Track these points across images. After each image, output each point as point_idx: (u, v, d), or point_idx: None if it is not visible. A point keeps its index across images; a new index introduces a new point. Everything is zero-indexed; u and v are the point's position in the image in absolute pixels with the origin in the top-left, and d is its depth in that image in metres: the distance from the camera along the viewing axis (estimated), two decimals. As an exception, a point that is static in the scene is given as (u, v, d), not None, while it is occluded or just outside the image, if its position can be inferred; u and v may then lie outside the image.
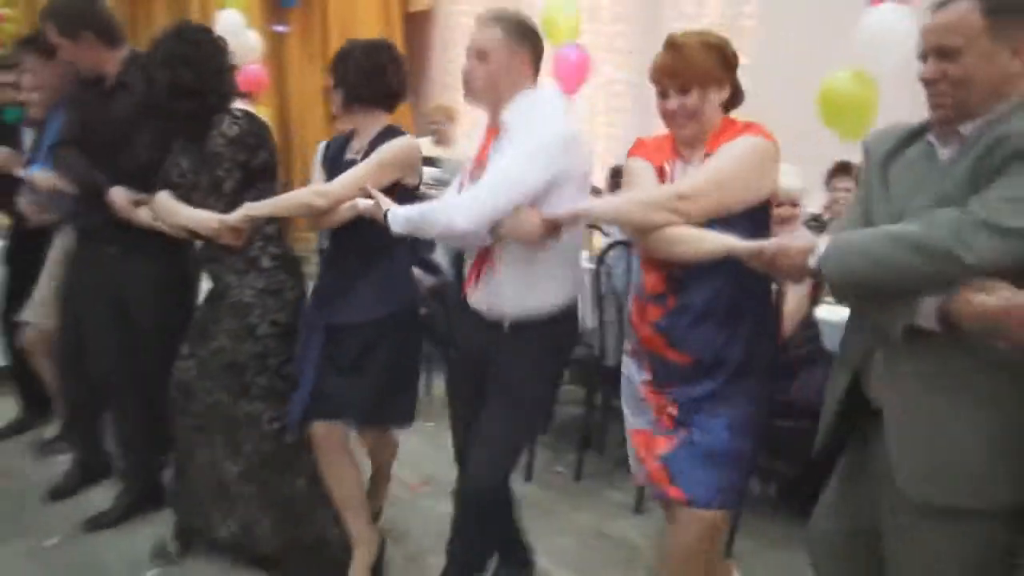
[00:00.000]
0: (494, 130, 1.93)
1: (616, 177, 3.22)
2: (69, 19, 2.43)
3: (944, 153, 1.36)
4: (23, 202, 2.92)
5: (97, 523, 2.62)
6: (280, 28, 6.61)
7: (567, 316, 1.97)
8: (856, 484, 1.52)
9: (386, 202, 1.98)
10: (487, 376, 1.97)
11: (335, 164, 2.25)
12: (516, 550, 2.26)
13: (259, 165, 2.25)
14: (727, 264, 1.57)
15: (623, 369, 1.93)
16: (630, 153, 1.84)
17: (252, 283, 2.26)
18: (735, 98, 1.77)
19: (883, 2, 3.04)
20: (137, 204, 2.44)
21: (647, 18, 5.19)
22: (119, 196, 2.44)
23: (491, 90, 1.89)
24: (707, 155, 1.70)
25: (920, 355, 1.31)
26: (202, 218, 2.18)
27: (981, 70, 1.29)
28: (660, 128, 1.80)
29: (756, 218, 1.67)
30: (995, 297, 1.15)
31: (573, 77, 4.53)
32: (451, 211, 1.82)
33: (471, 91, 1.92)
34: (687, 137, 1.74)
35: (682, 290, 1.72)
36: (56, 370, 2.97)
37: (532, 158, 1.79)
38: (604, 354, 3.03)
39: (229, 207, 2.18)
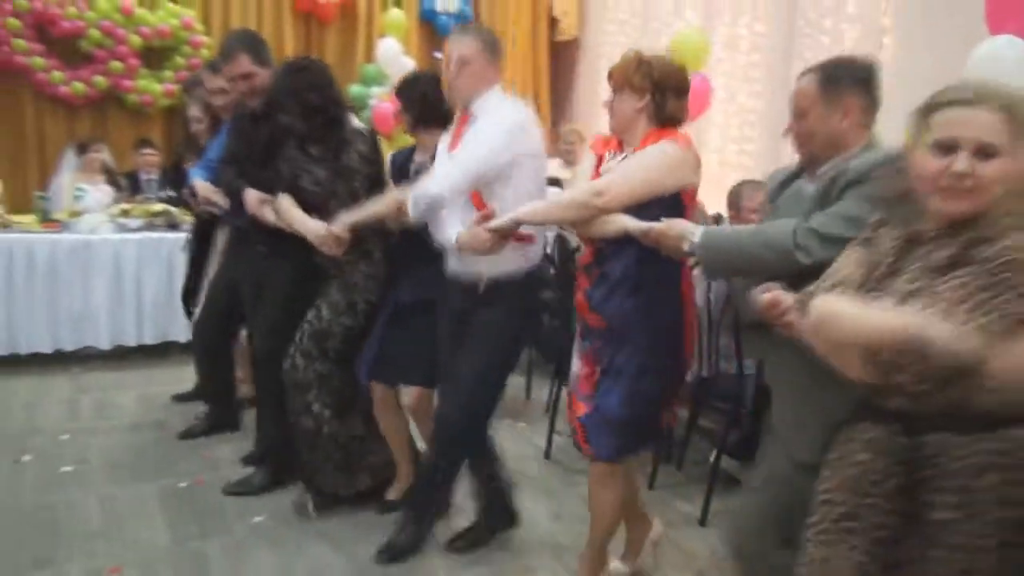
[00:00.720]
0: (465, 118, 2.32)
1: (733, 197, 3.32)
2: (262, 49, 2.85)
3: (809, 188, 1.76)
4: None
5: (241, 488, 2.98)
6: (438, 55, 7.15)
7: (531, 281, 2.40)
8: (774, 441, 1.84)
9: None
10: (464, 331, 2.37)
11: (401, 173, 2.68)
12: (498, 504, 2.63)
13: (378, 177, 2.66)
14: (637, 244, 1.95)
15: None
16: (590, 145, 2.28)
17: (363, 269, 2.69)
18: (668, 114, 2.07)
19: (1001, 34, 2.95)
20: (263, 204, 2.79)
21: (782, 49, 5.18)
22: (251, 196, 2.82)
23: (469, 88, 2.28)
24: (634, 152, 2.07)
25: (771, 336, 1.57)
26: (313, 226, 2.54)
27: (819, 127, 1.70)
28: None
29: (666, 206, 1.97)
30: (769, 295, 1.46)
31: (695, 105, 4.62)
32: (429, 181, 2.22)
33: (453, 91, 2.32)
34: (612, 130, 2.15)
35: (604, 262, 2.07)
36: (193, 345, 3.54)
37: (496, 138, 2.19)
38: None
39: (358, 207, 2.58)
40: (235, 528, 2.68)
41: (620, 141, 2.13)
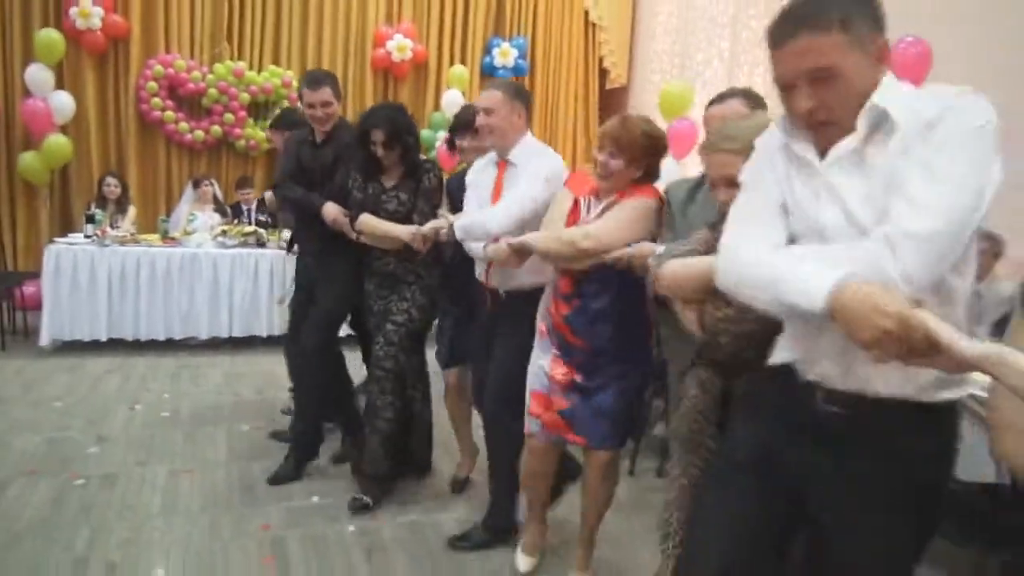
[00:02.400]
0: (504, 164, 2.75)
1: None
2: (338, 86, 3.32)
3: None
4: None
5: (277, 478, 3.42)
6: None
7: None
8: None
9: (450, 218, 2.86)
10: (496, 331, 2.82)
11: (459, 195, 3.06)
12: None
13: (439, 201, 3.22)
14: (614, 281, 2.30)
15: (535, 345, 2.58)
16: (566, 182, 2.53)
17: (437, 273, 3.22)
18: (650, 174, 2.37)
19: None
20: (340, 218, 3.23)
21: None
22: (331, 209, 3.24)
23: (498, 135, 2.69)
24: (614, 203, 2.32)
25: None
26: (403, 229, 3.00)
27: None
28: None
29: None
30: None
31: (683, 145, 5.36)
32: (488, 220, 2.61)
33: (483, 137, 2.78)
34: (601, 187, 2.37)
35: (583, 295, 2.38)
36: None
37: (541, 181, 2.59)
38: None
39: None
40: (277, 457, 3.63)
41: (596, 189, 2.38)
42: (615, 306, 2.36)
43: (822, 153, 1.34)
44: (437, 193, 3.17)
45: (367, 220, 3.10)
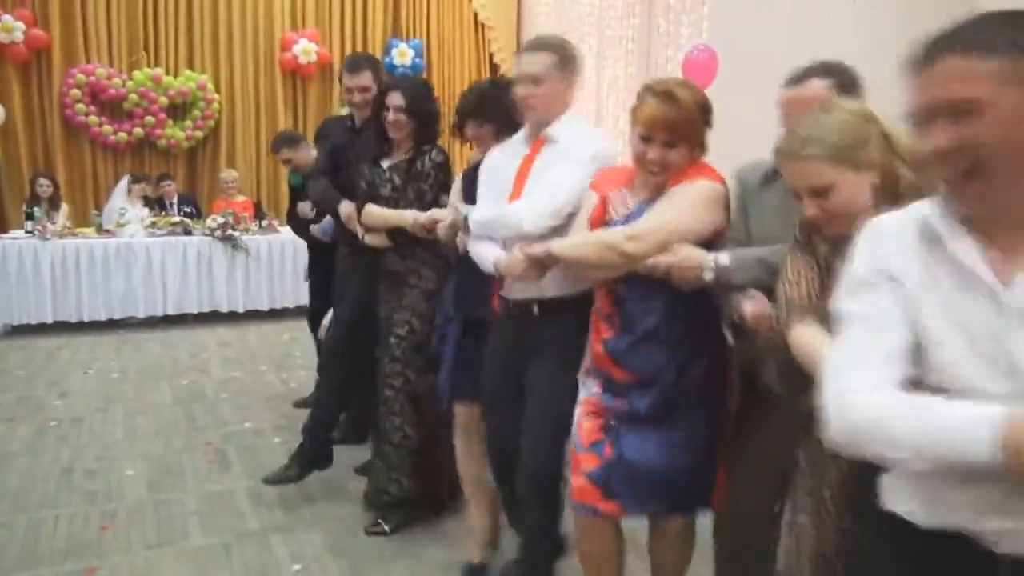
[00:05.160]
0: (540, 142, 2.11)
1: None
2: (381, 71, 3.16)
3: None
4: (314, 228, 3.84)
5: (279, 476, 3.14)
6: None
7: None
8: None
9: (464, 208, 2.30)
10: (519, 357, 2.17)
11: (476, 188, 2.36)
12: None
13: (447, 186, 2.74)
14: (662, 287, 1.72)
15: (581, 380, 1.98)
16: (591, 184, 1.97)
17: (439, 276, 2.72)
18: (702, 150, 1.84)
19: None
20: (352, 216, 2.96)
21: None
22: (346, 207, 3.02)
23: (541, 112, 2.07)
24: (662, 190, 1.79)
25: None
26: (406, 215, 2.69)
27: None
28: None
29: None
30: (753, 309, 1.60)
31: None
32: (520, 213, 2.01)
33: (528, 111, 2.10)
34: (652, 182, 1.81)
35: (624, 310, 1.83)
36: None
37: (583, 167, 1.97)
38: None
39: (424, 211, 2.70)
40: (214, 399, 4.46)
41: (629, 178, 1.89)
42: (666, 330, 1.80)
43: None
44: (435, 177, 2.75)
45: (369, 210, 2.80)
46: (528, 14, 9.19)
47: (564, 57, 2.09)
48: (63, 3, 7.32)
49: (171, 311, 6.40)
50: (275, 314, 6.70)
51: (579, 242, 1.86)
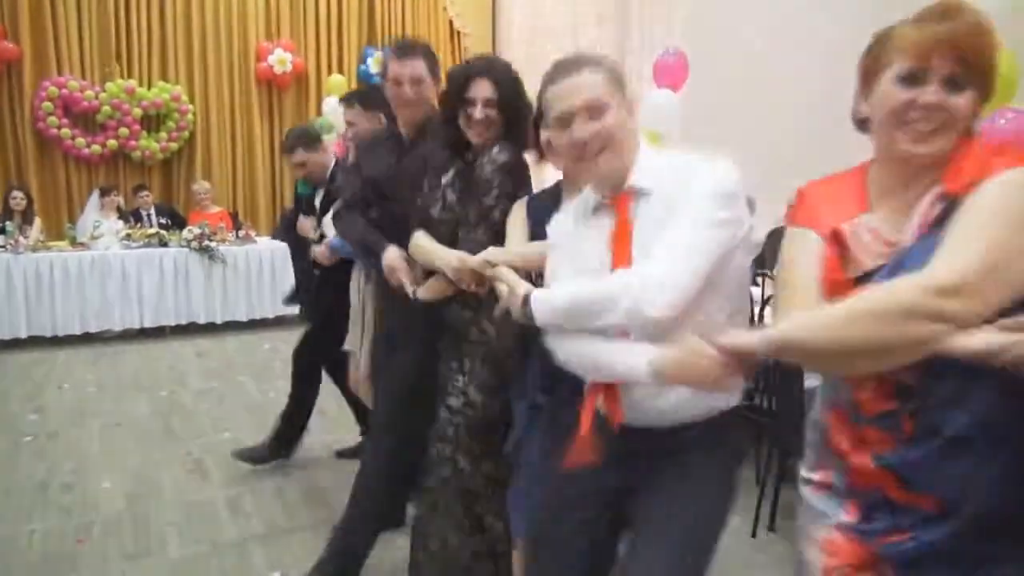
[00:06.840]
0: (623, 198, 1.45)
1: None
2: (436, 66, 2.38)
3: None
4: (315, 249, 3.38)
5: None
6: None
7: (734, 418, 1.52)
8: None
9: (524, 285, 1.55)
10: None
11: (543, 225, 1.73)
12: None
13: (516, 199, 1.99)
14: (986, 376, 1.01)
15: (808, 500, 1.28)
16: (790, 216, 1.31)
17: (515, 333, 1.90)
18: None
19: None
20: (398, 267, 2.25)
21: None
22: (391, 256, 2.26)
23: (615, 151, 1.44)
24: (943, 198, 1.10)
25: None
26: (446, 257, 1.95)
27: None
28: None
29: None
30: None
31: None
32: (635, 295, 1.32)
33: (591, 155, 1.43)
34: (925, 159, 1.11)
35: (924, 407, 1.12)
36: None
37: (712, 218, 1.36)
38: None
39: (497, 240, 1.92)
40: (192, 411, 4.43)
41: (861, 191, 1.21)
42: (991, 411, 1.08)
43: None
44: (500, 186, 2.00)
45: (416, 242, 2.13)
46: (503, 21, 9.24)
47: (616, 73, 1.48)
48: (34, 15, 7.27)
49: (148, 324, 6.34)
50: (254, 324, 6.67)
51: (825, 318, 1.08)
